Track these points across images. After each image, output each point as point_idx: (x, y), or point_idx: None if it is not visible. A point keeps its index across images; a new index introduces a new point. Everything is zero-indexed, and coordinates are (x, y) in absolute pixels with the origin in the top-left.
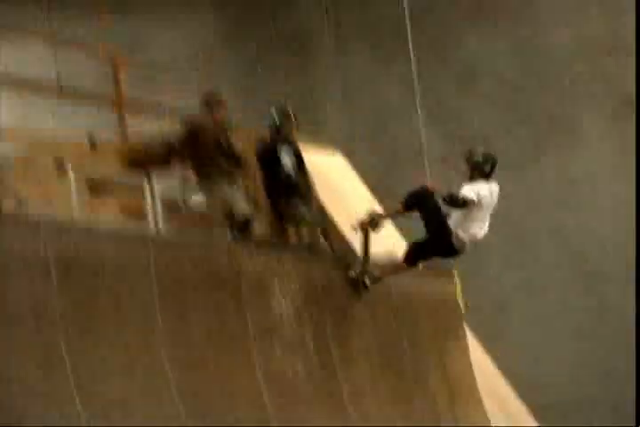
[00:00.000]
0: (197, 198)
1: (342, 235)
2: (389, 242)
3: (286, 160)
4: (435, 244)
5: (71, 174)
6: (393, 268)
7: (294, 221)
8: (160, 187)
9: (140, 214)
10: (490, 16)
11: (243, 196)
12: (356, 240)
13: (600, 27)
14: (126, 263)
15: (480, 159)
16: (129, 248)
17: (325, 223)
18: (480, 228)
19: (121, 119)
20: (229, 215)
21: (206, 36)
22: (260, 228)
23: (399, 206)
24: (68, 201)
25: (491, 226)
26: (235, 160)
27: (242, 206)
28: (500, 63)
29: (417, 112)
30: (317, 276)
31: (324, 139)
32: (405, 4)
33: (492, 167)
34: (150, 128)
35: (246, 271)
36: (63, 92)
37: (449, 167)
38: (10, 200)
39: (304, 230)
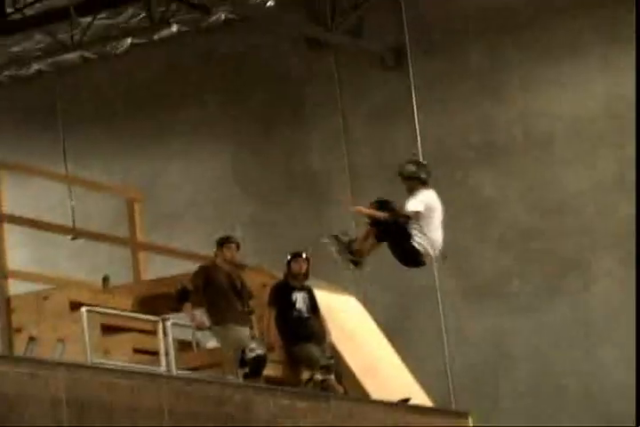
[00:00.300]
0: (211, 341)
1: (356, 378)
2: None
3: (300, 304)
4: (401, 255)
5: (84, 313)
6: (363, 236)
7: (307, 364)
8: (173, 326)
9: (152, 353)
10: (502, 158)
11: (255, 336)
12: (371, 386)
13: (611, 168)
14: (139, 402)
15: (413, 168)
16: (141, 387)
17: (339, 366)
18: (438, 233)
19: (135, 259)
20: (242, 355)
21: (223, 176)
22: (272, 368)
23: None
24: (81, 340)
25: (504, 365)
26: (248, 300)
27: (254, 346)
28: (512, 206)
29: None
30: (330, 417)
31: (339, 282)
32: (419, 146)
33: (428, 173)
34: (165, 269)
35: (258, 411)
36: (78, 232)
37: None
38: (23, 338)
39: (317, 373)
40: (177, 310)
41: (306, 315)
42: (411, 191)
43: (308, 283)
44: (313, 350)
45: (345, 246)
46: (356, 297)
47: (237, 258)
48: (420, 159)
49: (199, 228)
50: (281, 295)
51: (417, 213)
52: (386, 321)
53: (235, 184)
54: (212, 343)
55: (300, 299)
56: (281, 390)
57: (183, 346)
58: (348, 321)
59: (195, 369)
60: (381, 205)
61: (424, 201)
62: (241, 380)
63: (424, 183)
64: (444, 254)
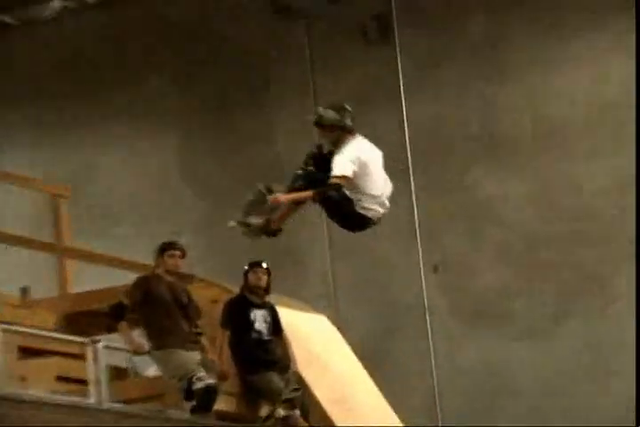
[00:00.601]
0: (151, 368)
1: (326, 414)
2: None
3: (260, 324)
4: (344, 222)
5: None
6: (283, 214)
7: (268, 397)
8: (105, 349)
9: (80, 382)
10: (506, 151)
11: (204, 362)
12: (343, 422)
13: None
14: None
15: (335, 115)
16: (66, 422)
17: (305, 400)
18: (382, 183)
19: (61, 268)
20: (188, 385)
21: (168, 169)
22: (224, 401)
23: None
24: None
25: (503, 399)
26: (196, 319)
27: (203, 375)
28: (518, 209)
29: (419, 266)
30: None
31: (307, 298)
32: (407, 135)
33: (353, 118)
34: (97, 281)
35: None
36: None
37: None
38: None
39: (279, 407)
40: (110, 329)
41: (266, 337)
42: (335, 144)
43: (270, 299)
44: (274, 379)
45: (259, 230)
46: (328, 317)
47: (182, 268)
48: (346, 106)
49: (138, 231)
50: (236, 313)
51: (346, 179)
52: (363, 346)
53: (182, 179)
54: (151, 371)
55: (259, 318)
56: None
57: (117, 374)
58: (318, 345)
59: (131, 402)
60: (306, 177)
61: (352, 158)
62: (187, 415)
63: (350, 131)
64: (435, 266)
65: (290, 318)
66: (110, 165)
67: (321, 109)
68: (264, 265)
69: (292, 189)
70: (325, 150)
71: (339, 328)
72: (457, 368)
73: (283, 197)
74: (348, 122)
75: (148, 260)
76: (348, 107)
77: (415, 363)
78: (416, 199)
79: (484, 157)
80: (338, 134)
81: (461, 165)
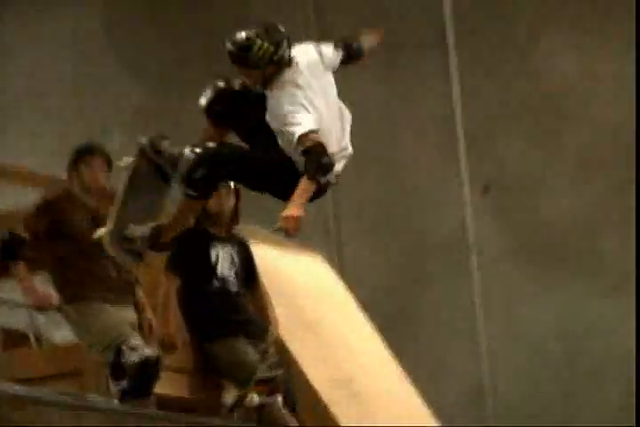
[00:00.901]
0: (62, 331)
1: (321, 400)
2: None
3: (224, 268)
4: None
5: None
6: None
7: (235, 375)
8: None
9: None
10: (591, 18)
11: (141, 324)
12: (345, 412)
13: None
14: None
15: (266, 45)
16: None
17: (290, 380)
18: (338, 138)
19: None
20: (117, 358)
21: (88, 38)
22: (171, 382)
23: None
24: None
25: (589, 377)
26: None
27: (139, 342)
28: (605, 102)
29: (462, 184)
30: None
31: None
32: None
33: (289, 41)
34: None
35: None
36: None
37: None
38: None
39: (252, 391)
40: (0, 274)
41: (234, 288)
42: (265, 84)
43: (239, 232)
44: (245, 349)
45: (144, 245)
46: (327, 256)
47: (107, 184)
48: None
49: (45, 130)
50: (190, 252)
51: (314, 135)
52: (378, 302)
53: (110, 51)
54: (60, 334)
55: (224, 258)
56: (187, 423)
57: (13, 340)
58: (311, 300)
59: (32, 381)
60: (209, 160)
61: (303, 109)
62: (115, 402)
63: (288, 62)
64: (486, 186)
65: (270, 259)
66: (7, 33)
67: (241, 37)
68: (230, 183)
69: (190, 182)
70: (237, 87)
71: (342, 275)
72: (516, 335)
73: (299, 211)
74: (286, 52)
75: (57, 170)
76: (280, 27)
77: (454, 327)
78: (458, 85)
79: (559, 19)
80: (270, 69)
81: (525, 31)
